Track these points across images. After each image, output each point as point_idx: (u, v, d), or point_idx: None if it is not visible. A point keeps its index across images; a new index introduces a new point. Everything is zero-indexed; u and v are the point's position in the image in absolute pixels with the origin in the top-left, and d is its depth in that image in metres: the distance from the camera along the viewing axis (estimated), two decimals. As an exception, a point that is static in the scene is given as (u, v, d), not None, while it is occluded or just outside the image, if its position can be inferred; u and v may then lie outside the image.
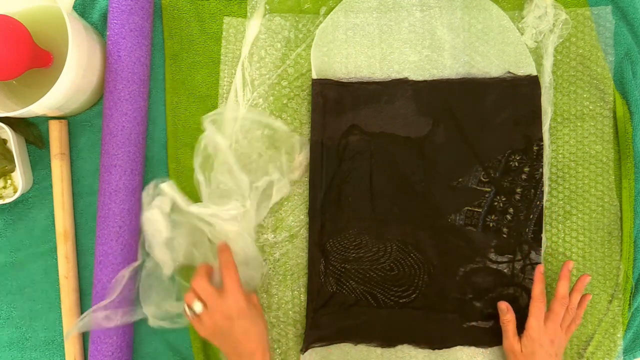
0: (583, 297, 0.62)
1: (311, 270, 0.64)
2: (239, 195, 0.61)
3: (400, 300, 0.64)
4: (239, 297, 0.54)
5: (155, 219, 0.59)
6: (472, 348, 0.64)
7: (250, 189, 0.61)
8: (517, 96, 0.64)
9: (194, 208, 0.60)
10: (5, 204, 0.64)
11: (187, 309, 0.55)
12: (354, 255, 0.64)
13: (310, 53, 0.65)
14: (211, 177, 0.62)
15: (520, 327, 0.61)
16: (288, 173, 0.64)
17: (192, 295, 0.55)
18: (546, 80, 0.65)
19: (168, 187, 0.60)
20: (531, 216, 0.64)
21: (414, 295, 0.64)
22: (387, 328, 0.64)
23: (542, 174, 0.64)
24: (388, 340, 0.64)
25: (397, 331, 0.64)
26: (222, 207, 0.60)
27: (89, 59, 0.57)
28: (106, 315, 0.59)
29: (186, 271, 0.63)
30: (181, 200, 0.60)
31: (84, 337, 0.64)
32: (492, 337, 0.63)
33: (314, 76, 0.65)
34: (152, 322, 0.60)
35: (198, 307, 0.54)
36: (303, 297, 0.64)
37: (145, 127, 0.64)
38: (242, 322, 0.54)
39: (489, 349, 0.64)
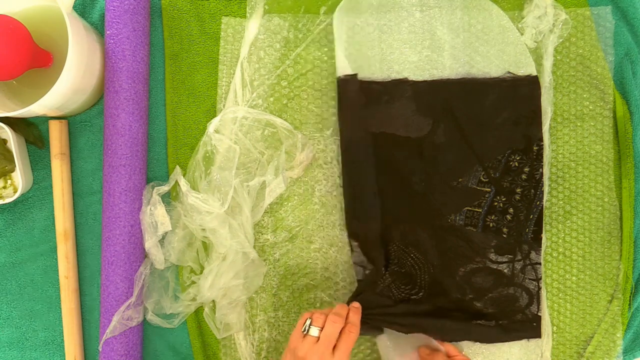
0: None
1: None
2: (223, 194, 0.62)
3: (411, 298, 0.63)
4: None
5: (153, 213, 0.61)
6: (477, 344, 0.64)
7: (243, 189, 0.62)
8: (517, 96, 0.64)
9: (192, 196, 0.60)
10: (5, 204, 0.64)
11: (307, 321, 0.54)
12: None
13: (335, 50, 0.64)
14: (207, 174, 0.63)
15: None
16: (287, 171, 0.64)
17: (322, 318, 0.54)
18: (546, 80, 0.65)
19: (176, 170, 0.63)
20: (531, 216, 0.64)
21: (420, 294, 0.63)
22: (404, 319, 0.62)
23: (542, 174, 0.64)
24: (406, 327, 0.62)
25: (413, 322, 0.62)
26: (209, 202, 0.61)
27: (89, 59, 0.57)
28: (129, 315, 0.60)
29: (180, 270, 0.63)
30: (183, 183, 0.61)
31: (84, 337, 0.64)
32: (492, 337, 0.63)
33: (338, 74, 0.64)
34: (150, 317, 0.61)
35: (314, 331, 0.53)
36: (303, 297, 0.64)
37: (147, 126, 0.64)
38: None
39: (489, 349, 0.64)
